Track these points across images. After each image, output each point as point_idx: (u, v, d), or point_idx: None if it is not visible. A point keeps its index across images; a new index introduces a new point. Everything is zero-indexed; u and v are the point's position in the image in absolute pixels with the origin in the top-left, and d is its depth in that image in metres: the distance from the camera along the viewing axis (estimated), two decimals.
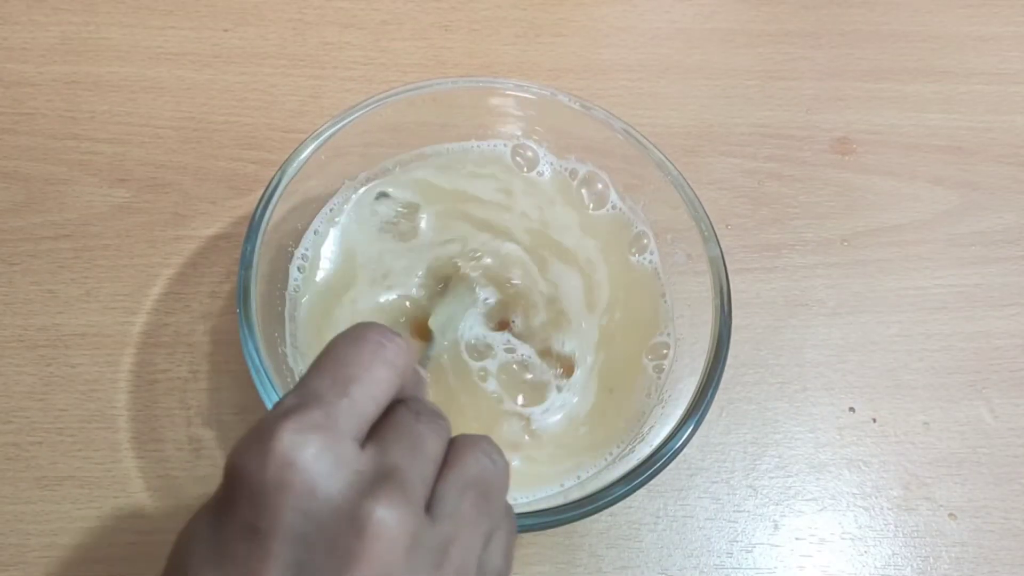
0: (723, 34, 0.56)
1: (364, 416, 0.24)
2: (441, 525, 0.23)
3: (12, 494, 0.38)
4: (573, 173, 0.43)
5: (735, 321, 0.37)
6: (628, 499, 0.33)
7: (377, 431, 0.24)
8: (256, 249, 0.35)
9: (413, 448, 0.24)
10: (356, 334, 0.25)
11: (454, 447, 0.25)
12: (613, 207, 0.43)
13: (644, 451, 0.35)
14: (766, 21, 0.57)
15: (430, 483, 0.24)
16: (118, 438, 0.40)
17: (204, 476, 0.39)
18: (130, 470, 0.39)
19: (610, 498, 0.33)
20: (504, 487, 0.26)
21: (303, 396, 0.23)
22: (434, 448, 0.25)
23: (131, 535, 0.38)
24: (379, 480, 0.22)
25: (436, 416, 0.26)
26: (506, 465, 0.26)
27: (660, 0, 0.57)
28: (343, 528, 0.21)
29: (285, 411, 0.23)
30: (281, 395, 0.33)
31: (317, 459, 0.22)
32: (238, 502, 0.22)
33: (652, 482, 0.34)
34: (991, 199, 0.51)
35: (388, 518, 0.21)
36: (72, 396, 0.40)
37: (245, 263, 0.35)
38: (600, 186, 0.43)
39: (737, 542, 0.40)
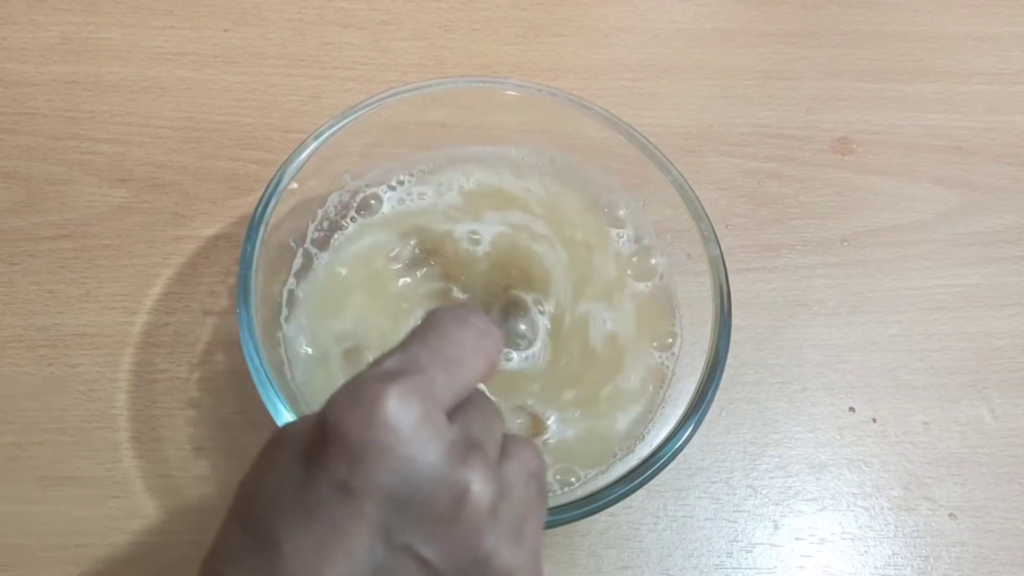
0: (723, 34, 0.56)
1: (458, 396, 0.24)
2: (513, 505, 0.24)
3: (13, 494, 0.38)
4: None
5: (735, 321, 0.37)
6: (628, 499, 0.33)
7: (459, 408, 0.25)
8: (256, 249, 0.36)
9: (490, 430, 0.25)
10: (463, 316, 0.25)
11: (511, 440, 0.26)
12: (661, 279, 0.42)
13: (644, 451, 0.35)
14: (766, 21, 0.57)
15: (497, 464, 0.25)
16: (118, 438, 0.40)
17: (204, 476, 0.39)
18: (130, 470, 0.39)
19: (610, 498, 0.33)
20: (546, 481, 0.27)
21: (407, 362, 0.24)
22: (499, 433, 0.26)
23: (131, 535, 0.38)
24: (469, 451, 0.23)
25: (496, 408, 0.27)
26: (545, 464, 0.27)
27: (660, 0, 0.57)
28: (440, 495, 0.22)
29: (389, 373, 0.23)
30: (280, 393, 0.33)
31: (418, 426, 0.22)
32: (333, 458, 0.22)
33: (652, 482, 0.34)
34: (991, 199, 0.51)
35: (482, 489, 0.22)
36: (72, 396, 0.40)
37: (245, 263, 0.35)
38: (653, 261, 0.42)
39: (737, 542, 0.40)
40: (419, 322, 0.26)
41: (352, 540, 0.21)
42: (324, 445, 0.22)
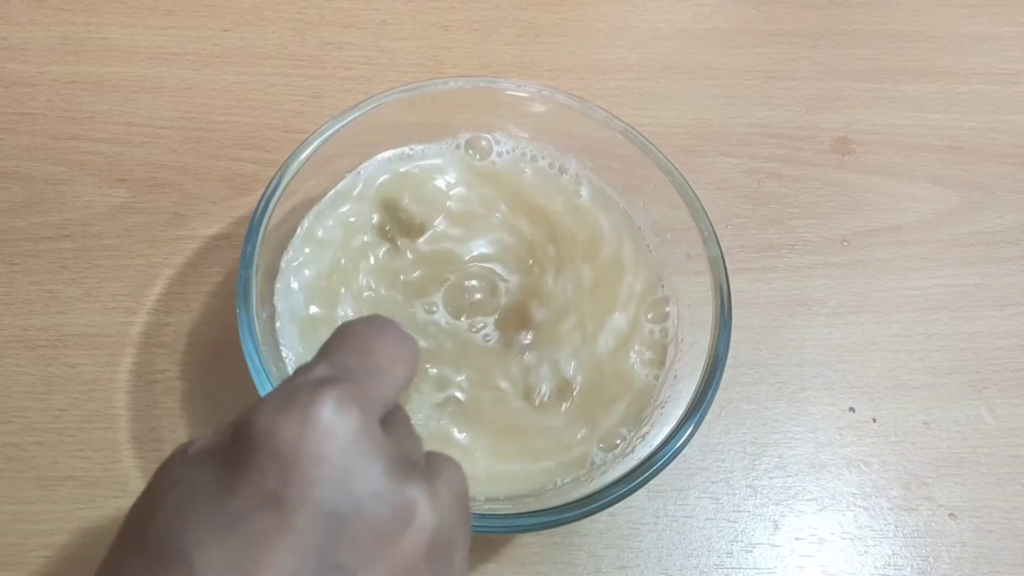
0: (723, 34, 0.56)
1: (386, 407, 0.23)
2: (443, 529, 0.22)
3: (12, 494, 0.38)
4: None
5: (735, 321, 0.37)
6: (628, 499, 0.33)
7: (385, 421, 0.23)
8: (256, 249, 0.36)
9: (417, 447, 0.24)
10: (380, 324, 0.25)
11: (435, 458, 0.25)
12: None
13: (644, 451, 0.35)
14: (766, 21, 0.57)
15: None
16: (118, 438, 0.40)
17: None
18: (130, 470, 0.39)
19: (610, 498, 0.33)
20: (469, 503, 0.26)
21: (336, 368, 0.22)
22: (421, 453, 0.25)
23: None
24: (412, 469, 0.22)
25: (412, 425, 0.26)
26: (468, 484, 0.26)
27: (660, 0, 0.57)
28: (383, 513, 0.20)
29: (321, 380, 0.21)
30: None
31: (358, 435, 0.21)
32: (262, 468, 0.20)
33: (652, 482, 0.34)
34: (991, 199, 0.51)
35: (427, 509, 0.21)
36: (72, 396, 0.40)
37: (245, 263, 0.35)
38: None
39: (737, 542, 0.40)
40: (336, 331, 0.24)
41: (279, 556, 0.19)
42: (249, 452, 0.20)
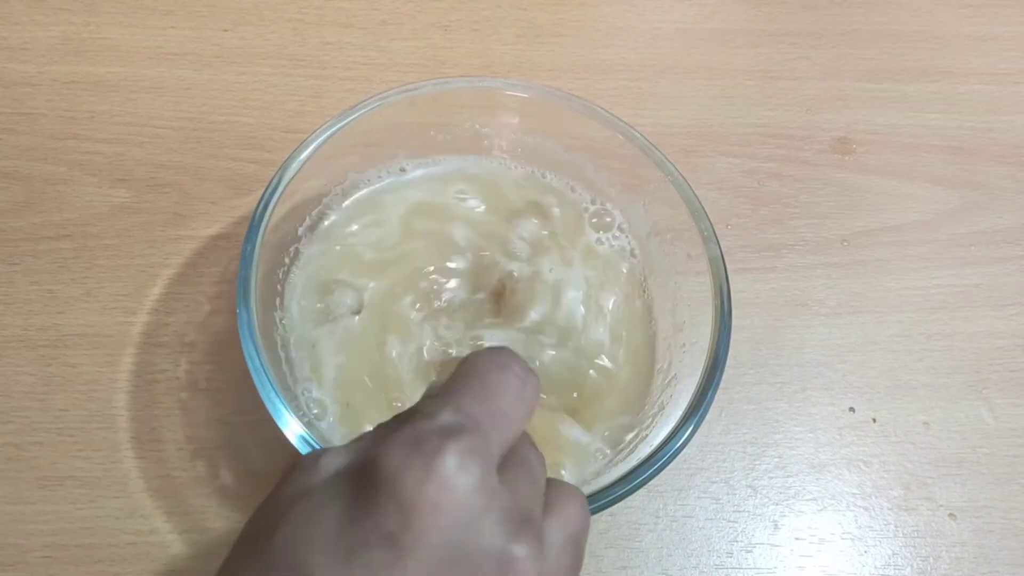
0: (723, 34, 0.56)
1: (506, 450, 0.24)
2: (548, 571, 0.23)
3: (12, 494, 0.38)
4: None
5: (735, 321, 0.37)
6: (628, 499, 0.33)
7: (506, 462, 0.24)
8: (256, 249, 0.35)
9: (535, 487, 0.25)
10: (504, 362, 0.25)
11: (554, 491, 0.25)
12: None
13: (644, 451, 0.35)
14: (766, 21, 0.57)
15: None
16: (118, 438, 0.40)
17: (204, 476, 0.39)
18: (130, 470, 0.39)
19: (610, 498, 0.33)
20: (585, 541, 0.26)
21: (461, 416, 0.23)
22: (543, 484, 0.25)
23: (131, 535, 0.38)
24: (522, 524, 0.22)
25: (539, 453, 0.26)
26: (589, 521, 0.26)
27: (660, 0, 0.57)
28: (488, 566, 0.21)
29: (446, 428, 0.22)
30: (280, 393, 0.33)
31: (476, 491, 0.22)
32: (384, 507, 0.21)
33: (652, 482, 0.33)
34: (991, 199, 0.51)
35: (529, 565, 0.22)
36: (72, 396, 0.40)
37: (245, 263, 0.35)
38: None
39: (737, 542, 0.40)
40: (460, 365, 0.25)
41: None
42: (375, 490, 0.21)
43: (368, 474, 0.22)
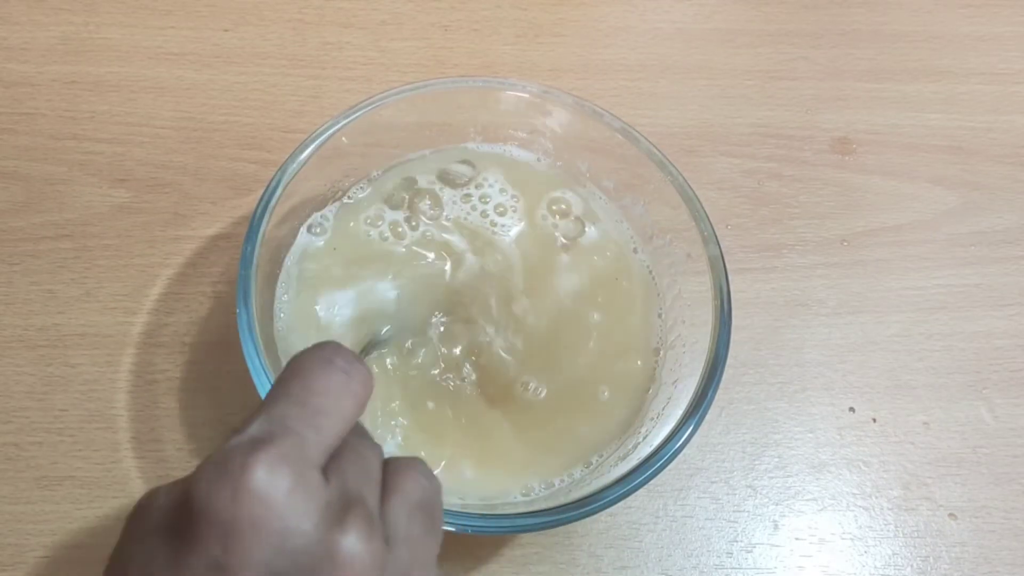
0: (723, 34, 0.56)
1: (329, 448, 0.24)
2: (399, 550, 0.23)
3: (12, 494, 0.38)
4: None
5: (735, 321, 0.37)
6: (628, 499, 0.33)
7: (332, 457, 0.24)
8: (256, 249, 0.36)
9: (367, 474, 0.24)
10: (324, 357, 0.25)
11: (391, 470, 0.25)
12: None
13: (644, 451, 0.35)
14: (766, 21, 0.57)
15: (378, 507, 0.24)
16: (118, 438, 0.40)
17: None
18: (130, 470, 0.39)
19: (610, 498, 0.33)
20: (441, 505, 0.26)
21: (271, 424, 0.23)
22: (378, 471, 0.25)
23: None
24: (346, 511, 0.22)
25: (371, 437, 0.26)
26: (439, 485, 0.26)
27: (660, 0, 0.57)
28: (318, 563, 0.21)
29: (256, 441, 0.22)
30: None
31: (290, 495, 0.21)
32: (203, 538, 0.21)
33: (652, 482, 0.34)
34: (991, 199, 0.51)
35: (361, 550, 0.22)
36: (72, 396, 0.40)
37: (245, 263, 0.35)
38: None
39: (737, 542, 0.40)
40: (285, 368, 0.25)
41: None
42: (192, 523, 0.21)
43: (185, 507, 0.21)
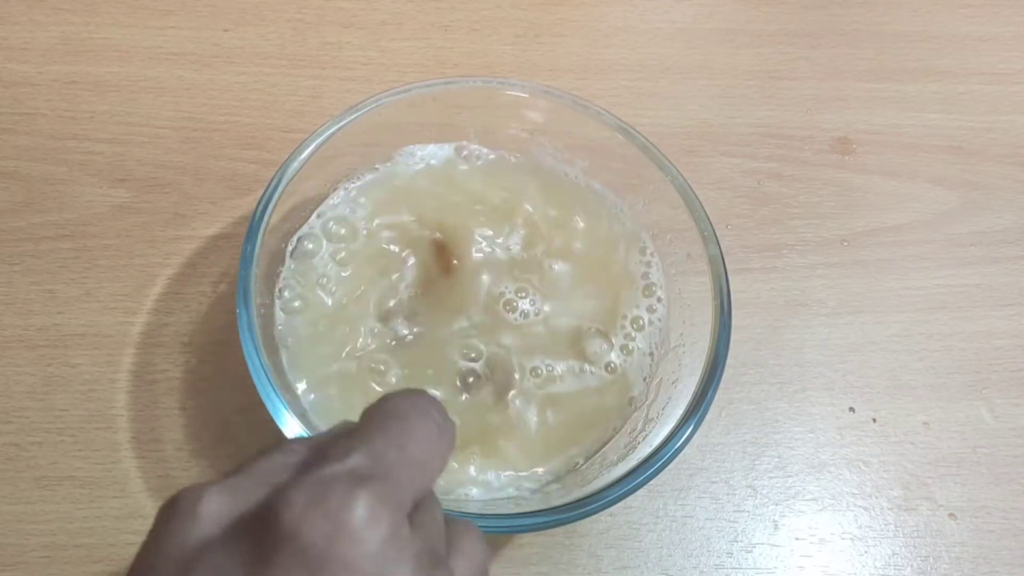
0: (723, 34, 0.56)
1: (416, 501, 0.23)
2: None
3: (12, 494, 0.38)
4: None
5: (735, 321, 0.37)
6: (628, 499, 0.33)
7: (414, 510, 0.23)
8: (256, 249, 0.36)
9: (439, 532, 0.24)
10: (423, 407, 0.24)
11: (455, 531, 0.24)
12: None
13: (644, 451, 0.35)
14: (766, 21, 0.57)
15: None
16: (118, 438, 0.40)
17: (204, 476, 0.39)
18: (130, 470, 0.39)
19: (610, 498, 0.33)
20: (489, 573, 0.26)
21: (374, 463, 0.21)
22: (443, 530, 0.24)
23: (131, 535, 0.38)
24: (434, 568, 0.21)
25: (435, 495, 0.25)
26: (488, 551, 0.26)
27: (660, 0, 0.57)
28: None
29: (356, 474, 0.20)
30: (280, 393, 0.33)
31: (389, 543, 0.20)
32: (288, 568, 0.19)
33: (652, 482, 0.34)
34: (991, 199, 0.51)
35: None
36: (72, 396, 0.40)
37: (245, 263, 0.35)
38: None
39: (737, 542, 0.40)
40: (375, 404, 0.24)
41: None
42: (275, 547, 0.19)
43: (265, 527, 0.20)
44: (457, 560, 0.23)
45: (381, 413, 0.23)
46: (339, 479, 0.20)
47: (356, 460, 0.21)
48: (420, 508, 0.23)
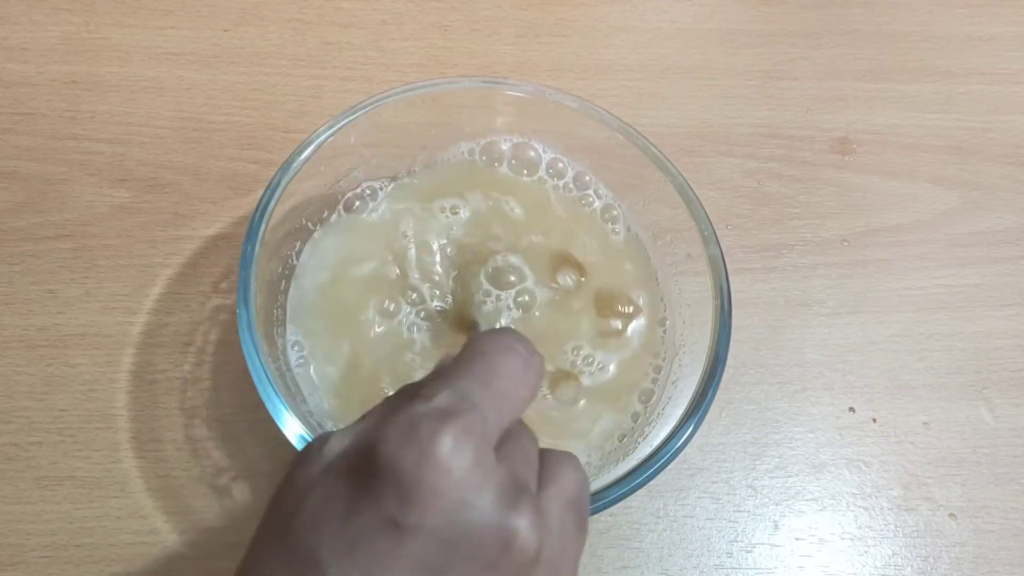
0: (723, 34, 0.56)
1: (503, 431, 0.24)
2: (552, 540, 0.24)
3: (12, 494, 0.38)
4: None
5: (735, 321, 0.37)
6: (628, 499, 0.33)
7: (501, 440, 0.25)
8: (256, 249, 0.35)
9: (529, 462, 0.25)
10: (507, 343, 0.26)
11: (547, 461, 0.26)
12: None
13: (644, 451, 0.35)
14: (766, 21, 0.57)
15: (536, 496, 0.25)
16: (118, 438, 0.40)
17: (204, 476, 0.39)
18: (130, 470, 0.39)
19: (610, 498, 0.33)
20: (589, 503, 0.27)
21: (458, 396, 0.23)
22: (536, 460, 0.26)
23: (131, 535, 0.38)
24: (518, 495, 0.23)
25: (530, 430, 0.27)
26: (588, 480, 0.27)
27: (660, 0, 0.57)
28: (488, 540, 0.22)
29: (444, 412, 0.23)
30: (280, 392, 0.33)
31: (472, 470, 0.22)
32: (383, 493, 0.22)
33: (652, 482, 0.34)
34: (991, 199, 0.51)
35: (531, 536, 0.22)
36: (72, 396, 0.40)
37: (245, 263, 0.35)
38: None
39: (737, 542, 0.40)
40: (466, 345, 0.26)
41: (396, 574, 0.21)
42: (373, 476, 0.22)
43: (366, 459, 0.22)
44: (549, 489, 0.25)
45: (469, 353, 0.25)
46: (428, 415, 0.23)
47: (443, 397, 0.23)
48: (508, 438, 0.25)
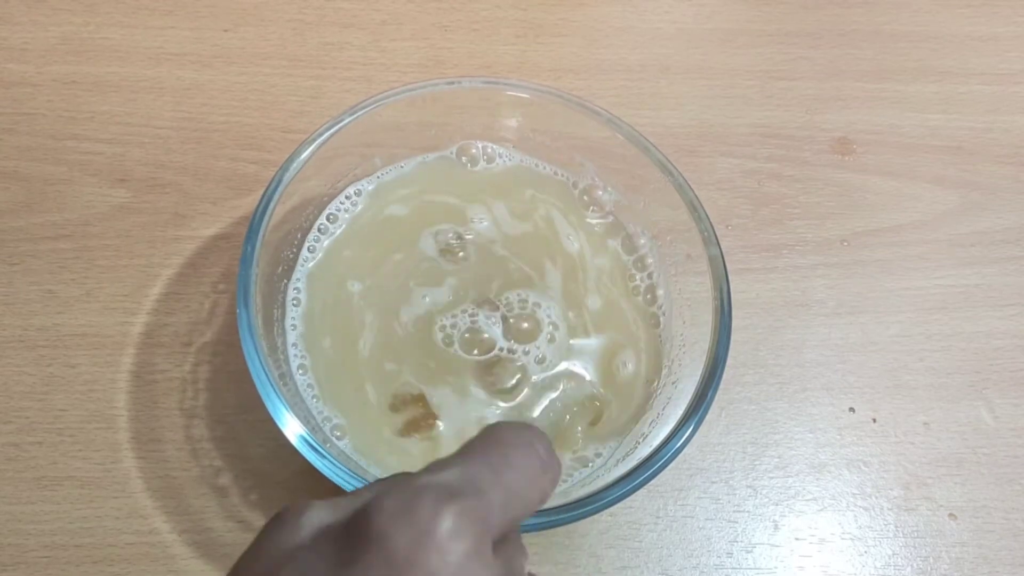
0: (723, 34, 0.56)
1: (506, 530, 0.23)
2: None
3: (11, 494, 0.38)
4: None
5: (735, 321, 0.37)
6: (628, 499, 0.33)
7: (500, 541, 0.23)
8: (256, 249, 0.36)
9: (521, 568, 0.24)
10: (529, 440, 0.24)
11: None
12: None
13: (644, 451, 0.35)
14: (766, 21, 0.57)
15: None
16: (118, 438, 0.40)
17: (204, 476, 0.39)
18: (130, 470, 0.39)
19: (610, 498, 0.33)
20: None
21: (467, 481, 0.22)
22: (524, 572, 0.25)
23: (131, 535, 0.38)
24: None
25: (526, 546, 0.26)
26: None
27: (660, 0, 0.57)
28: None
29: (448, 490, 0.21)
30: (280, 392, 0.33)
31: (469, 557, 0.20)
32: (373, 566, 0.20)
33: (652, 482, 0.33)
34: (991, 199, 0.51)
35: None
36: (72, 396, 0.40)
37: (245, 263, 0.35)
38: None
39: (737, 542, 0.40)
40: (483, 431, 0.24)
41: None
42: (363, 548, 0.20)
43: (358, 529, 0.21)
44: None
45: (485, 439, 0.24)
46: (431, 490, 0.21)
47: (450, 476, 0.22)
48: (506, 542, 0.24)
